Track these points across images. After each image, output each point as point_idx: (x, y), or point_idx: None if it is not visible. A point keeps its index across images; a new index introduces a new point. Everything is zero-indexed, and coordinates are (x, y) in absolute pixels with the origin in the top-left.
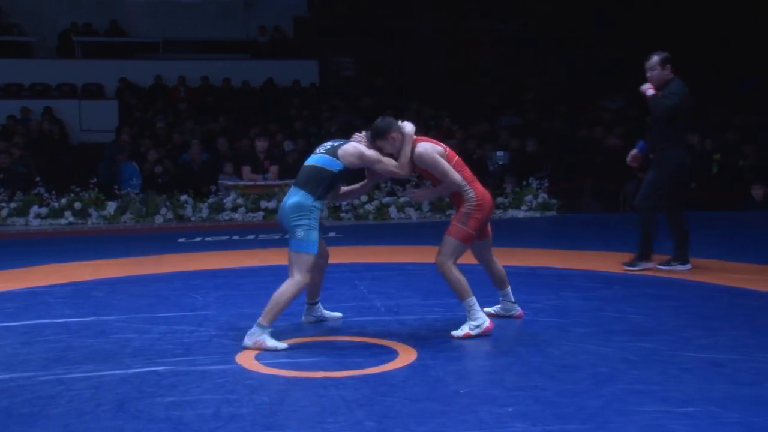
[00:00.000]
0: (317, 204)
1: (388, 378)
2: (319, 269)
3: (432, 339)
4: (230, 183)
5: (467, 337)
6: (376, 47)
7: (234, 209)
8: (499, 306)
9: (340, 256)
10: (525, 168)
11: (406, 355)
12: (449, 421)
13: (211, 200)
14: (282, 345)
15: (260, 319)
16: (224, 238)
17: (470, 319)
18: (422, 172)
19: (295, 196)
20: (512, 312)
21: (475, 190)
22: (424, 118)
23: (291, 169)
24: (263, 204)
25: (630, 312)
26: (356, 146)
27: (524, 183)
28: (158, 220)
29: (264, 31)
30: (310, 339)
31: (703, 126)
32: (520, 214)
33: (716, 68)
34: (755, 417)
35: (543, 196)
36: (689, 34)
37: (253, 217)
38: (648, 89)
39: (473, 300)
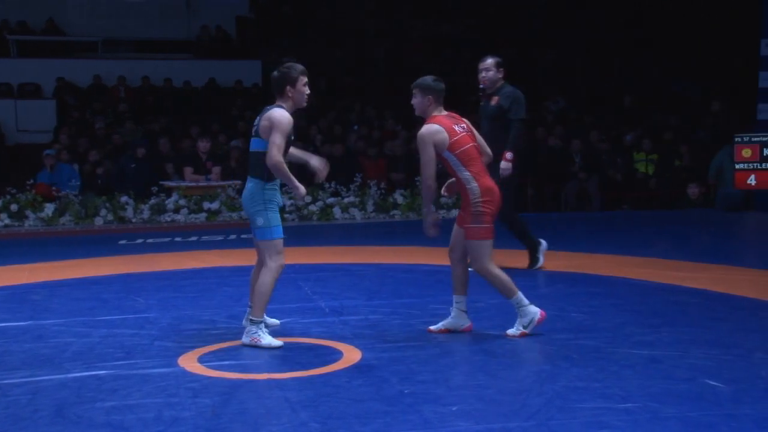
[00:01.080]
0: (269, 185)
1: (333, 379)
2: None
3: (376, 339)
4: (172, 184)
5: (523, 335)
6: (319, 48)
7: (176, 210)
8: (449, 318)
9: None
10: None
11: (351, 356)
12: (393, 421)
13: (152, 201)
14: (277, 342)
15: (251, 315)
16: (166, 239)
17: (521, 316)
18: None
19: (248, 185)
20: (462, 325)
21: (481, 186)
22: (367, 118)
23: (235, 170)
24: (206, 205)
25: (571, 310)
26: (268, 116)
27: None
28: (98, 221)
29: (206, 31)
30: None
31: (640, 127)
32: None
33: (651, 69)
34: (691, 412)
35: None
36: (625, 36)
37: (195, 218)
38: (508, 163)
39: (520, 296)
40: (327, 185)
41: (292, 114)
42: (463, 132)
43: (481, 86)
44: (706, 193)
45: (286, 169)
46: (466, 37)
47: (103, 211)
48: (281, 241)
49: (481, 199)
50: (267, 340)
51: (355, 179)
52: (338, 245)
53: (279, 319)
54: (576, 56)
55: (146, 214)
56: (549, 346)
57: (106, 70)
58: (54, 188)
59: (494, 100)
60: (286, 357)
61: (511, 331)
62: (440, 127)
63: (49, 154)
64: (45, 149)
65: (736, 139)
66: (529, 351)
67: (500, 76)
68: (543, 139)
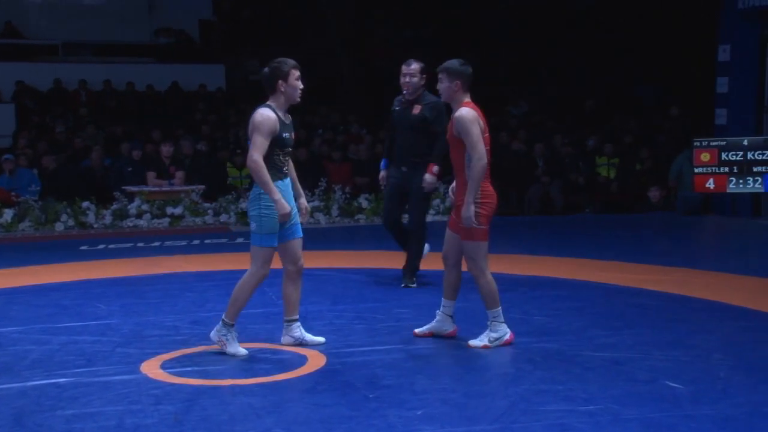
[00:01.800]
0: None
1: (297, 384)
2: (291, 278)
3: (341, 344)
4: (134, 189)
5: (485, 348)
6: (283, 52)
7: (139, 216)
8: (434, 321)
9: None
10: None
11: (315, 361)
12: (358, 426)
13: (114, 207)
14: (242, 351)
15: (224, 316)
16: (128, 245)
17: (491, 330)
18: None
19: (251, 190)
20: (446, 329)
21: (483, 188)
22: (332, 122)
23: (198, 173)
24: (169, 210)
25: (534, 313)
26: (253, 115)
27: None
28: (59, 227)
29: (169, 35)
30: (218, 346)
31: (601, 131)
32: (428, 217)
33: (611, 74)
34: (652, 413)
35: (450, 199)
36: (587, 41)
37: (158, 223)
38: (434, 177)
39: (499, 311)
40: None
41: (289, 110)
42: (486, 134)
43: (404, 92)
44: (667, 196)
45: (265, 173)
46: (430, 41)
47: (64, 217)
48: (271, 250)
49: (481, 201)
50: (233, 348)
51: (319, 183)
52: (303, 250)
53: (241, 325)
54: (538, 61)
55: (108, 220)
56: (513, 349)
57: (66, 74)
58: (13, 193)
59: (416, 109)
60: (251, 363)
61: (474, 342)
62: (477, 115)
63: (8, 158)
64: (4, 154)
65: (695, 144)
66: (494, 354)
67: (422, 83)
68: (506, 143)
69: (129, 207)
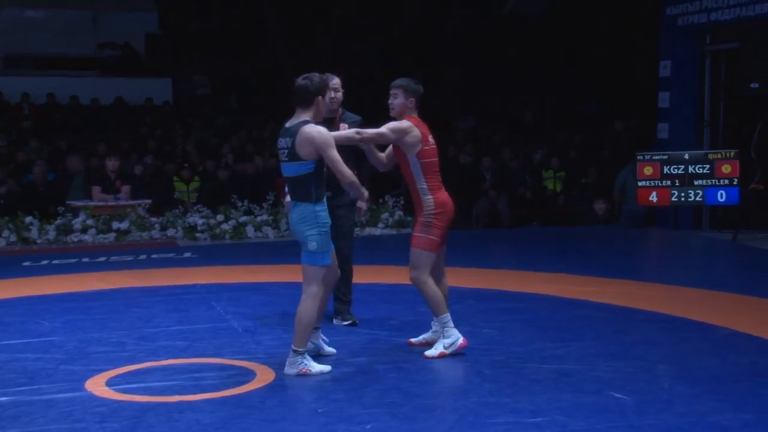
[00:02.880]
0: (318, 207)
1: (246, 399)
2: (328, 288)
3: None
4: (79, 204)
5: (442, 356)
6: (231, 66)
7: (83, 231)
8: (431, 329)
9: (195, 276)
10: (381, 186)
11: (264, 376)
12: None
13: (58, 222)
14: (327, 368)
15: (294, 346)
16: (73, 260)
17: (444, 337)
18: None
19: (297, 209)
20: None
21: (436, 199)
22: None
23: (145, 188)
24: (115, 225)
25: (482, 326)
26: (305, 137)
27: (380, 201)
28: (0, 243)
29: (113, 48)
30: (165, 362)
31: (547, 145)
32: (377, 231)
33: (556, 89)
34: (598, 424)
35: (399, 213)
36: (532, 56)
37: (104, 238)
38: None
39: (448, 316)
40: (240, 203)
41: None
42: (433, 144)
43: (333, 107)
44: (612, 209)
45: (357, 179)
46: (376, 55)
47: (6, 232)
48: (325, 269)
49: (434, 211)
50: (317, 368)
51: (267, 197)
52: (251, 264)
53: (189, 340)
54: (484, 75)
55: (52, 235)
56: (461, 362)
57: (8, 87)
58: None
59: (343, 128)
60: (198, 378)
61: (430, 353)
62: (417, 129)
63: None
64: None
65: (638, 158)
66: (442, 368)
67: (343, 99)
68: (454, 157)
69: (74, 222)
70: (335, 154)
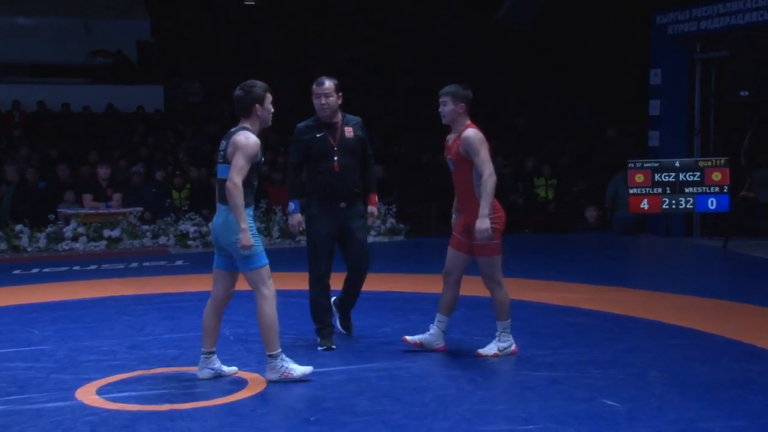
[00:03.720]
0: (246, 212)
1: (237, 408)
2: (216, 311)
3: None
4: (70, 211)
5: (495, 356)
6: (222, 73)
7: (74, 239)
8: (427, 333)
9: (187, 284)
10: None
11: (255, 384)
12: None
13: (49, 230)
14: (308, 368)
15: (267, 351)
16: (64, 268)
17: (500, 341)
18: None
19: (223, 214)
20: (437, 344)
21: (493, 203)
22: (272, 144)
23: (136, 195)
24: (106, 233)
25: (474, 333)
26: (234, 141)
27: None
28: None
29: (105, 55)
30: (155, 371)
31: (539, 152)
32: (369, 239)
33: (548, 97)
34: (591, 431)
35: (391, 221)
36: (524, 64)
37: (95, 246)
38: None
39: (509, 323)
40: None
41: (259, 135)
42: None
43: (322, 115)
44: (603, 216)
45: (241, 198)
46: (366, 63)
47: None
48: (267, 267)
49: (493, 215)
50: (299, 370)
51: (260, 205)
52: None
53: (181, 349)
54: (476, 83)
55: (42, 243)
56: (454, 369)
57: None
58: None
59: (349, 132)
60: (190, 387)
61: (483, 351)
62: (483, 135)
63: None
64: None
65: (630, 165)
66: (434, 375)
67: (340, 102)
68: (447, 164)
69: (65, 230)
70: (239, 162)
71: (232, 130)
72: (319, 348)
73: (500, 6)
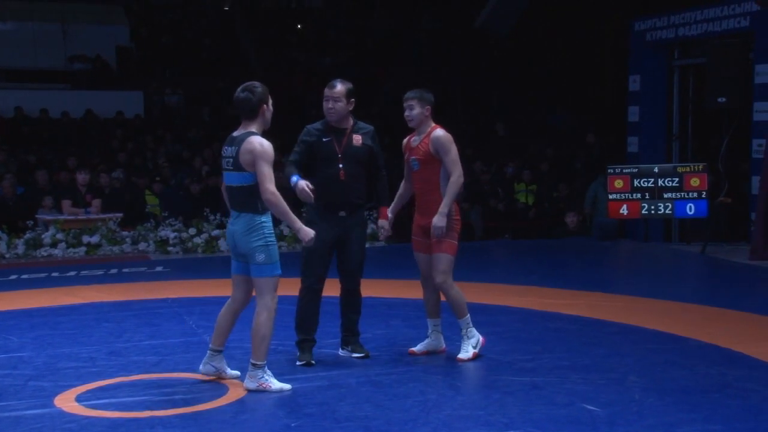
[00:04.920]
0: (266, 218)
1: (217, 414)
2: (236, 311)
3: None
4: (49, 218)
5: (475, 356)
6: (202, 78)
7: (53, 245)
8: (428, 340)
9: (167, 290)
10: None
11: (236, 390)
12: None
13: (27, 236)
14: (287, 386)
15: (253, 359)
16: (42, 275)
17: (468, 337)
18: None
19: (240, 220)
20: (440, 345)
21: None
22: None
23: (114, 201)
24: (85, 239)
25: (455, 339)
26: (247, 147)
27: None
28: None
29: (84, 61)
30: (136, 377)
31: (519, 158)
32: None
33: (530, 103)
34: None
35: (371, 226)
36: (504, 69)
37: (74, 252)
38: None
39: (469, 318)
40: (212, 217)
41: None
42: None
43: (333, 118)
44: (583, 221)
45: (286, 205)
46: (348, 69)
47: None
48: (279, 278)
49: (454, 216)
50: (277, 384)
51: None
52: (223, 278)
53: (161, 355)
54: (456, 89)
55: (21, 249)
56: (434, 375)
57: None
58: None
59: (357, 140)
60: (170, 393)
61: (462, 355)
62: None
63: None
64: None
65: (609, 171)
66: (415, 381)
67: (350, 108)
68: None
69: (43, 236)
70: (265, 170)
71: (236, 135)
72: (298, 363)
73: (480, 13)
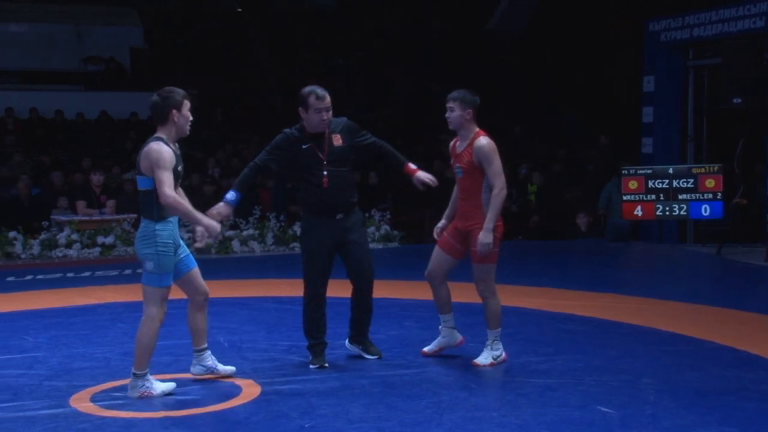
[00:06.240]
0: (160, 225)
1: (231, 415)
2: (198, 308)
3: (276, 373)
4: (64, 218)
5: (491, 365)
6: (216, 80)
7: (68, 245)
8: (440, 337)
9: (180, 291)
10: (367, 200)
11: (249, 391)
12: None
13: (42, 237)
14: (170, 385)
15: (133, 369)
16: (57, 275)
17: (493, 349)
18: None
19: (140, 225)
20: (455, 340)
21: None
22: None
23: (130, 202)
24: (100, 239)
25: (468, 340)
26: (145, 153)
27: (367, 215)
28: None
29: (98, 62)
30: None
31: (531, 159)
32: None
33: (540, 104)
34: None
35: (385, 227)
36: (516, 71)
37: (89, 253)
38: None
39: (499, 332)
40: (228, 219)
41: (180, 141)
42: None
43: (324, 128)
44: (595, 222)
45: (186, 205)
46: (360, 69)
47: None
48: (168, 289)
49: (497, 223)
50: (160, 388)
51: (254, 211)
52: (237, 279)
53: (174, 356)
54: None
55: (36, 250)
56: (447, 376)
57: None
58: None
59: (337, 140)
60: (184, 394)
61: (479, 360)
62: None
63: None
64: None
65: (623, 172)
66: (428, 382)
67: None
68: (440, 171)
69: (58, 237)
70: (164, 176)
71: (149, 140)
72: (311, 366)
73: (493, 14)
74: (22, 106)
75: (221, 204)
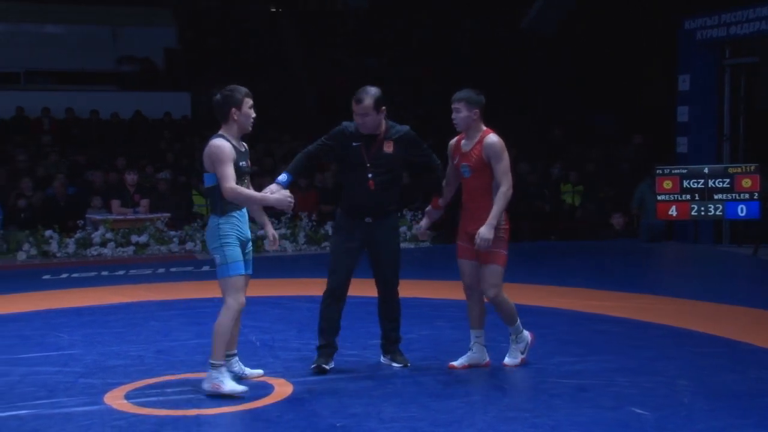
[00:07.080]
0: (223, 220)
1: (263, 413)
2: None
3: (308, 372)
4: (99, 217)
5: (523, 362)
6: (248, 80)
7: (103, 244)
8: (470, 352)
9: (214, 290)
10: (399, 199)
11: (282, 390)
12: None
13: (78, 235)
14: (241, 388)
15: (210, 359)
16: (92, 274)
17: (517, 342)
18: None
19: (208, 222)
20: (483, 359)
21: (504, 215)
22: (295, 151)
23: (163, 202)
24: (134, 238)
25: (501, 340)
26: (206, 150)
27: (398, 215)
28: (21, 256)
29: (132, 62)
30: (183, 376)
31: (565, 159)
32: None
33: (573, 104)
34: None
35: (417, 227)
36: (550, 71)
37: (123, 251)
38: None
39: (519, 324)
40: None
41: (243, 139)
42: None
43: (366, 132)
44: (630, 223)
45: (247, 192)
46: (392, 70)
47: (26, 246)
48: (240, 278)
49: (503, 225)
50: (230, 386)
51: (285, 211)
52: (269, 278)
53: (208, 354)
54: (501, 90)
55: (71, 248)
56: (480, 376)
57: (28, 102)
58: None
59: (388, 146)
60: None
61: (509, 361)
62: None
63: None
64: None
65: (657, 171)
66: (461, 382)
67: (383, 116)
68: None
69: (93, 235)
70: (224, 170)
71: (211, 137)
72: (311, 366)
73: (526, 14)
74: (58, 106)
75: (273, 185)
